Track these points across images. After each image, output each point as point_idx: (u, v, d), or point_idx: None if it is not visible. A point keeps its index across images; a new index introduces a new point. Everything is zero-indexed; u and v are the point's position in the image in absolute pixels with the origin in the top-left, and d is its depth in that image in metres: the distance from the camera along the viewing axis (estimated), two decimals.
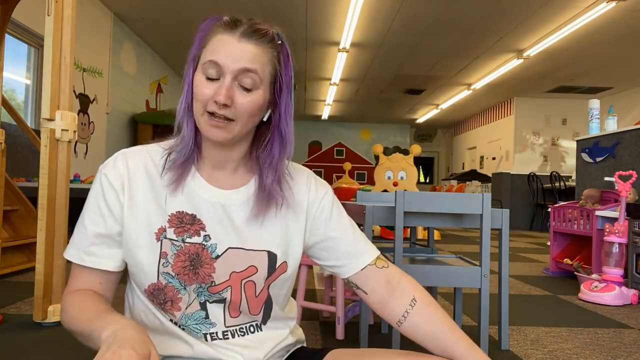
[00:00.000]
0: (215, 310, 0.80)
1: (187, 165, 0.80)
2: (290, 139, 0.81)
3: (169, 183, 0.79)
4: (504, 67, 8.01)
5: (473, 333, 1.80)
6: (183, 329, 0.80)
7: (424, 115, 13.07)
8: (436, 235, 6.31)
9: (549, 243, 4.01)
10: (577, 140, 4.37)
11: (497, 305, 1.83)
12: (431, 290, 2.10)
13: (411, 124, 14.61)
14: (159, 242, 0.77)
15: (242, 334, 0.82)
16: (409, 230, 3.17)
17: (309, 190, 0.87)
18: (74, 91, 5.33)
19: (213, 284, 0.78)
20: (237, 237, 0.80)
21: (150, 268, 0.76)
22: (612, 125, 3.95)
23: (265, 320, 0.84)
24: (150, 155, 0.82)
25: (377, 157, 5.81)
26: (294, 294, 1.48)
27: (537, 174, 8.41)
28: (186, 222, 0.78)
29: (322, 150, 13.45)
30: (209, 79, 0.73)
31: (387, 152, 5.84)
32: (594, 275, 3.02)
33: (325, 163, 12.88)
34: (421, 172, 15.36)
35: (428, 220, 1.74)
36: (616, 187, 2.97)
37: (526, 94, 10.25)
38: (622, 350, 1.89)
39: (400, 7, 5.79)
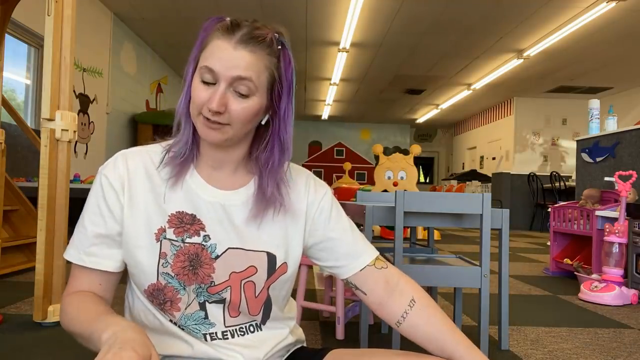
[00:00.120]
0: (215, 311, 0.80)
1: (186, 164, 0.80)
2: (288, 146, 0.80)
3: (168, 177, 0.79)
4: (504, 67, 8.01)
5: (473, 333, 1.81)
6: (183, 329, 0.80)
7: (424, 115, 13.07)
8: (436, 235, 6.31)
9: (549, 243, 4.01)
10: (577, 140, 4.37)
11: (497, 305, 1.83)
12: (431, 290, 2.10)
13: (411, 124, 14.61)
14: (159, 242, 0.77)
15: (242, 333, 0.82)
16: (409, 230, 3.17)
17: (308, 191, 0.87)
18: (74, 91, 5.33)
19: (212, 284, 0.78)
20: (237, 237, 0.80)
21: (150, 268, 0.77)
22: (612, 125, 3.95)
23: (264, 320, 0.84)
24: (150, 156, 0.82)
25: (377, 157, 5.81)
26: (294, 294, 1.48)
27: (537, 174, 8.41)
28: (186, 222, 0.78)
29: (322, 150, 13.45)
30: (205, 82, 0.73)
31: (387, 152, 5.84)
32: (594, 275, 3.02)
33: (325, 163, 12.88)
34: (421, 172, 15.37)
35: (428, 220, 1.74)
36: (616, 187, 2.97)
37: (526, 94, 10.25)
38: (622, 350, 1.89)
39: (400, 7, 5.79)
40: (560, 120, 10.60)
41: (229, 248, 0.79)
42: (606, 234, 2.89)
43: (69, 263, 0.80)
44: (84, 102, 5.65)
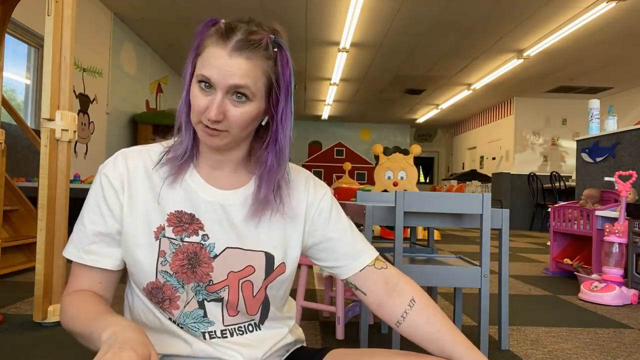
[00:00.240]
0: (214, 309, 0.80)
1: (185, 163, 0.81)
2: (287, 147, 0.80)
3: (167, 175, 0.79)
4: (504, 67, 8.01)
5: (473, 333, 1.81)
6: (182, 328, 0.80)
7: (424, 115, 13.07)
8: (436, 235, 6.31)
9: (549, 243, 4.01)
10: (577, 140, 4.37)
11: (497, 305, 1.83)
12: (431, 290, 2.10)
13: (411, 124, 14.61)
14: (158, 240, 0.77)
15: (241, 332, 0.82)
16: (409, 230, 3.17)
17: (307, 191, 0.87)
18: (74, 91, 5.33)
19: (211, 283, 0.78)
20: (236, 237, 0.80)
21: (149, 267, 0.77)
22: (612, 125, 3.95)
23: (262, 320, 0.84)
24: (150, 156, 0.82)
25: (377, 157, 5.81)
26: (293, 294, 1.48)
27: (537, 174, 8.41)
28: (185, 222, 0.78)
29: (322, 150, 13.44)
30: (203, 89, 0.73)
31: (387, 152, 5.84)
32: (594, 275, 3.02)
33: (325, 163, 12.87)
34: (421, 172, 15.37)
35: (428, 220, 1.74)
36: (616, 187, 2.97)
37: (526, 94, 10.25)
38: (622, 350, 1.89)
39: (400, 8, 5.79)
40: (560, 120, 10.60)
41: (227, 247, 0.79)
42: (606, 234, 2.89)
43: (69, 262, 0.80)
44: (84, 102, 5.65)
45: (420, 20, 6.18)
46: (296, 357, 0.90)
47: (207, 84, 0.72)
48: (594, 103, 4.09)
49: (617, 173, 2.95)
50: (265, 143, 0.80)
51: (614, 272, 2.79)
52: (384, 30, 6.57)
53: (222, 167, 0.82)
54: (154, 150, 0.83)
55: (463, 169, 13.37)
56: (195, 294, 0.79)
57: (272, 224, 0.83)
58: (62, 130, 1.98)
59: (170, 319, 0.80)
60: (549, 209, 3.93)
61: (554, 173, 8.07)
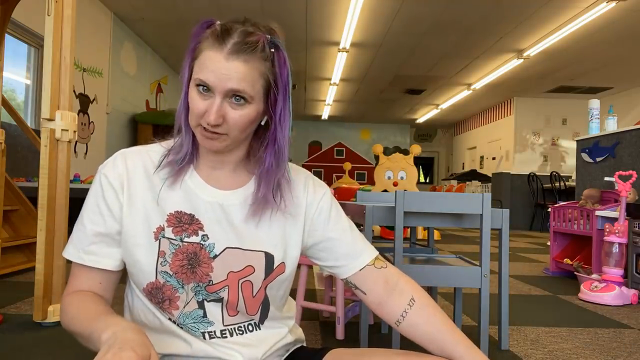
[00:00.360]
0: (213, 309, 0.80)
1: (185, 165, 0.81)
2: (285, 147, 0.80)
3: (167, 176, 0.80)
4: (504, 67, 8.01)
5: (473, 333, 1.81)
6: (182, 328, 0.80)
7: (424, 115, 13.07)
8: (436, 235, 6.31)
9: (549, 243, 4.01)
10: (577, 140, 4.37)
11: (497, 305, 1.83)
12: (431, 290, 2.10)
13: (411, 124, 14.61)
14: (157, 241, 0.77)
15: (241, 332, 0.82)
16: (409, 230, 3.17)
17: (307, 191, 0.87)
18: (74, 91, 5.33)
19: (211, 283, 0.78)
20: (235, 237, 0.80)
21: (149, 267, 0.77)
22: (612, 125, 3.95)
23: (262, 319, 0.84)
24: (150, 156, 0.82)
25: (377, 157, 5.81)
26: (293, 294, 1.48)
27: (537, 174, 8.41)
28: (184, 222, 0.78)
29: (322, 150, 13.44)
30: (201, 93, 0.73)
31: (387, 152, 5.84)
32: (594, 275, 3.02)
33: (325, 163, 12.87)
34: (421, 172, 15.36)
35: (428, 220, 1.74)
36: (616, 187, 2.97)
37: (526, 94, 10.25)
38: (622, 350, 1.89)
39: (400, 8, 5.79)
40: (560, 120, 10.60)
41: (227, 248, 0.79)
42: (606, 234, 2.89)
43: (69, 262, 0.80)
44: (84, 102, 5.65)
45: (420, 20, 6.18)
46: (296, 357, 0.90)
47: (205, 88, 0.72)
48: (594, 103, 4.09)
49: (617, 173, 2.95)
50: (264, 143, 0.80)
51: (614, 272, 2.79)
52: (384, 30, 6.57)
53: (221, 168, 0.82)
54: (154, 150, 0.83)
55: (463, 169, 13.37)
56: (195, 294, 0.79)
57: (272, 223, 0.83)
58: (62, 130, 1.98)
59: (170, 319, 0.80)
60: (549, 209, 3.93)
61: (554, 173, 8.07)
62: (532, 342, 1.95)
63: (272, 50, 0.74)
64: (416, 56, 7.72)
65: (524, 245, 5.91)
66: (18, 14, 3.69)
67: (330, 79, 9.34)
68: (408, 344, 0.90)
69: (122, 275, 0.83)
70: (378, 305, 0.86)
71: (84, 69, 5.61)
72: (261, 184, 0.81)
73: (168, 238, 0.77)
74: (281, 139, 0.79)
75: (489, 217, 1.64)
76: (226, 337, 0.81)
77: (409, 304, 0.84)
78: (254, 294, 0.82)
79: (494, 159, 11.58)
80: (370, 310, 1.23)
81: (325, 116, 13.42)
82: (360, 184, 8.69)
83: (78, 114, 5.36)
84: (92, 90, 5.83)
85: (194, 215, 0.79)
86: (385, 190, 5.42)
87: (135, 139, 7.11)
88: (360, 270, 0.86)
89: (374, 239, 2.58)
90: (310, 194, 0.88)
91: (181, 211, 0.79)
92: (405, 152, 5.88)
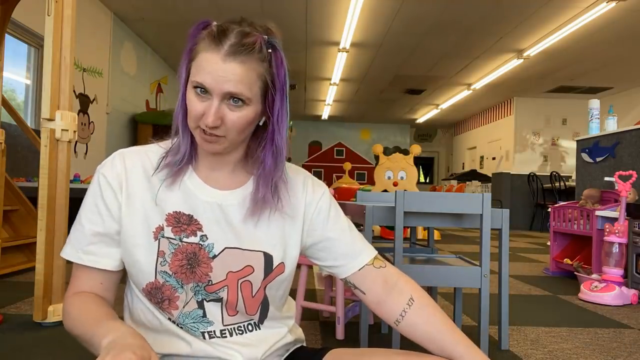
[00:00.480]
0: (213, 309, 0.80)
1: (184, 166, 0.81)
2: (283, 147, 0.80)
3: (165, 177, 0.80)
4: (504, 67, 8.01)
5: (473, 333, 1.80)
6: (181, 328, 0.80)
7: (424, 115, 13.07)
8: (436, 235, 6.31)
9: (549, 243, 4.01)
10: (577, 140, 4.37)
11: (497, 305, 1.83)
12: (431, 290, 2.10)
13: (411, 124, 14.61)
14: (157, 241, 0.77)
15: (240, 332, 0.82)
16: (409, 230, 3.17)
17: (306, 191, 0.87)
18: (74, 91, 5.33)
19: (210, 283, 0.79)
20: (234, 237, 0.80)
21: (148, 267, 0.77)
22: (612, 125, 3.95)
23: (262, 319, 0.84)
24: (148, 156, 0.82)
25: (377, 157, 5.81)
26: (293, 294, 1.48)
27: (537, 174, 8.41)
28: (183, 222, 0.78)
29: (322, 150, 13.44)
30: (199, 95, 0.72)
31: (387, 152, 5.84)
32: (594, 275, 3.02)
33: (325, 163, 12.87)
34: (421, 172, 15.36)
35: (428, 220, 1.74)
36: (616, 187, 2.97)
37: (526, 94, 10.25)
38: (622, 350, 1.89)
39: (400, 8, 5.79)
40: (560, 120, 10.60)
41: (226, 248, 0.79)
42: (606, 234, 2.89)
43: (69, 263, 0.80)
44: (84, 102, 5.65)
45: (420, 20, 6.18)
46: (296, 356, 0.90)
47: (203, 90, 0.72)
48: (594, 103, 4.09)
49: (617, 173, 2.95)
50: (263, 144, 0.80)
51: (614, 272, 2.79)
52: (384, 30, 6.57)
53: (220, 168, 0.82)
54: (152, 150, 0.83)
55: (463, 169, 13.37)
56: (195, 294, 0.79)
57: (271, 223, 0.83)
58: (62, 130, 1.98)
59: (169, 319, 0.80)
60: (549, 209, 3.93)
61: (554, 173, 8.07)
62: (532, 342, 1.95)
63: (269, 50, 0.74)
64: (416, 56, 7.72)
65: (524, 245, 5.91)
66: (18, 14, 3.69)
67: (330, 79, 9.34)
68: (408, 344, 0.90)
69: (123, 275, 0.83)
70: (377, 304, 0.86)
71: (84, 69, 5.61)
72: (260, 184, 0.81)
73: (167, 238, 0.77)
74: (279, 139, 0.78)
75: (489, 217, 1.64)
76: (226, 337, 0.81)
77: (408, 303, 0.84)
78: (254, 294, 0.82)
79: (494, 159, 11.58)
80: (370, 310, 1.23)
81: (325, 116, 13.42)
82: (360, 184, 8.69)
83: (78, 114, 5.36)
84: (92, 90, 5.83)
85: (192, 215, 0.79)
86: (385, 190, 5.42)
87: (135, 139, 7.11)
88: (360, 269, 0.86)
89: (374, 239, 2.58)
90: (309, 193, 0.88)
91: (180, 211, 0.79)
92: (405, 152, 5.88)
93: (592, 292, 2.76)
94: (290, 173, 0.87)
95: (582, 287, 2.85)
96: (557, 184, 7.93)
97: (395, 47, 7.30)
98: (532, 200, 8.42)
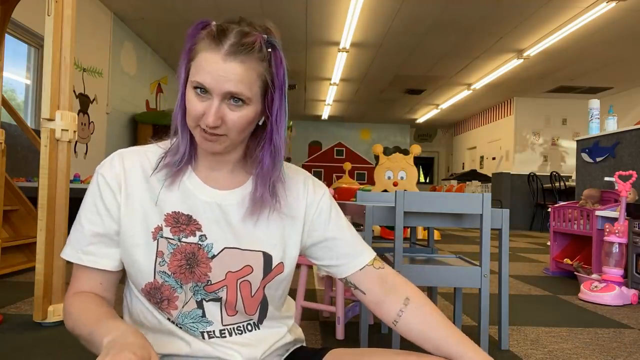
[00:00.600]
0: (212, 309, 0.80)
1: (183, 166, 0.81)
2: (282, 147, 0.80)
3: (165, 178, 0.79)
4: (504, 67, 8.01)
5: (473, 333, 1.80)
6: (180, 328, 0.80)
7: (424, 115, 13.07)
8: (436, 235, 6.31)
9: (549, 243, 4.01)
10: (577, 140, 4.37)
11: (497, 305, 1.83)
12: (431, 290, 2.10)
13: (411, 124, 14.61)
14: (156, 241, 0.77)
15: (240, 332, 0.82)
16: (409, 230, 3.17)
17: (306, 192, 0.88)
18: (74, 91, 5.33)
19: (209, 283, 0.79)
20: (234, 237, 0.80)
21: (147, 267, 0.77)
22: (612, 125, 3.95)
23: (261, 319, 0.85)
24: (147, 156, 0.82)
25: (377, 157, 5.81)
26: (293, 294, 1.48)
27: (537, 174, 8.41)
28: (182, 222, 0.78)
29: (322, 150, 13.44)
30: (199, 94, 0.72)
31: (387, 152, 5.84)
32: (594, 275, 3.02)
33: (325, 163, 12.87)
34: (421, 172, 15.36)
35: (428, 220, 1.74)
36: (616, 187, 2.97)
37: (526, 94, 10.25)
38: (622, 350, 1.89)
39: (400, 8, 5.79)
40: (560, 120, 10.60)
41: (225, 248, 0.79)
42: (606, 234, 2.89)
43: (69, 263, 0.80)
44: (84, 102, 5.65)
45: (420, 20, 6.18)
46: (296, 356, 0.90)
47: (203, 90, 0.72)
48: (594, 103, 4.09)
49: (617, 173, 2.95)
50: (261, 143, 0.80)
51: (614, 272, 2.79)
52: (384, 30, 6.57)
53: (219, 168, 0.82)
54: (151, 150, 0.83)
55: (463, 169, 13.37)
56: (194, 294, 0.79)
57: (270, 223, 0.83)
58: (62, 130, 1.98)
59: (168, 319, 0.80)
60: (549, 209, 3.93)
61: (554, 173, 8.07)
62: (532, 342, 1.95)
63: (269, 50, 0.74)
64: (416, 56, 7.72)
65: (524, 245, 5.91)
66: (18, 14, 3.69)
67: (330, 79, 9.34)
68: (408, 344, 0.90)
69: (123, 275, 0.83)
70: (376, 304, 0.86)
71: (84, 69, 5.61)
72: (258, 183, 0.81)
73: (166, 238, 0.77)
74: (277, 139, 0.79)
75: (489, 217, 1.64)
76: (225, 336, 0.81)
77: (404, 303, 0.84)
78: (253, 294, 0.82)
79: (494, 159, 11.58)
80: (369, 310, 1.23)
81: (325, 116, 13.42)
82: (360, 184, 8.69)
83: (78, 114, 5.36)
84: (92, 90, 5.83)
85: (191, 216, 0.79)
86: (385, 190, 5.42)
87: (135, 139, 7.11)
88: (361, 269, 0.86)
89: (374, 239, 2.58)
90: (310, 194, 0.88)
91: (178, 212, 0.79)
92: (405, 152, 5.88)
93: (592, 292, 2.76)
94: (290, 173, 0.87)
95: (582, 287, 2.85)
96: (557, 184, 7.93)
97: (395, 47, 7.30)
98: (532, 200, 8.42)
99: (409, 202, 1.63)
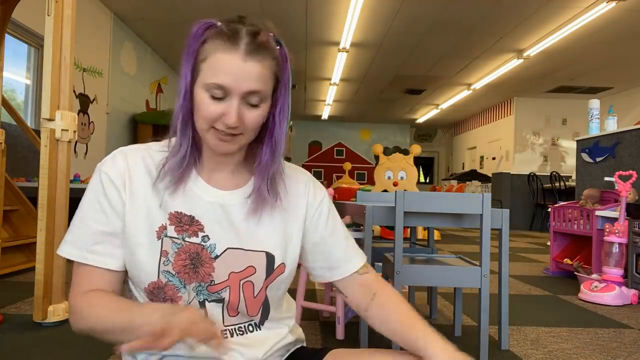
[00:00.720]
0: (214, 310, 0.80)
1: (187, 172, 0.80)
2: (282, 142, 0.80)
3: (169, 185, 0.79)
4: (504, 67, 8.01)
5: (473, 333, 1.81)
6: None
7: (424, 115, 13.07)
8: (436, 235, 6.31)
9: (549, 243, 4.01)
10: (577, 140, 4.37)
11: (497, 305, 1.83)
12: (431, 290, 2.10)
13: (411, 124, 14.61)
14: (160, 240, 0.77)
15: (241, 333, 0.82)
16: (409, 230, 3.17)
17: (307, 192, 0.88)
18: (74, 91, 5.33)
19: (212, 283, 0.78)
20: (236, 237, 0.80)
21: (151, 267, 0.76)
22: (612, 125, 3.95)
23: (263, 320, 0.85)
24: (150, 154, 0.81)
25: (377, 157, 5.81)
26: (294, 294, 1.48)
27: (537, 174, 8.41)
28: (185, 223, 0.78)
29: (322, 150, 13.45)
30: (214, 97, 0.72)
31: (387, 152, 5.84)
32: (594, 275, 3.02)
33: (325, 163, 12.88)
34: (421, 172, 15.36)
35: (428, 220, 1.74)
36: (616, 187, 2.97)
37: (526, 94, 10.25)
38: (622, 350, 1.89)
39: (400, 8, 5.79)
40: (560, 120, 10.60)
41: (228, 248, 0.79)
42: (606, 234, 2.89)
43: (69, 262, 0.80)
44: (84, 102, 5.65)
45: (420, 20, 6.18)
46: (296, 357, 0.90)
47: (220, 93, 0.71)
48: (594, 103, 4.09)
49: (617, 173, 2.96)
50: (262, 138, 0.81)
51: (614, 272, 2.79)
52: (384, 30, 6.57)
53: (221, 169, 0.82)
54: (152, 148, 0.83)
55: (463, 169, 13.38)
56: (197, 294, 0.78)
57: (272, 223, 0.83)
58: (62, 130, 1.98)
59: None
60: (549, 209, 3.93)
61: (554, 173, 8.07)
62: (532, 342, 1.95)
63: (278, 47, 0.75)
64: (416, 56, 7.72)
65: (524, 245, 5.91)
66: (18, 14, 3.69)
67: (330, 79, 9.34)
68: None
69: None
70: (358, 307, 0.89)
71: (84, 69, 5.61)
72: (257, 176, 0.81)
73: (170, 237, 0.77)
74: (278, 133, 0.79)
75: (489, 217, 1.64)
76: (227, 337, 0.81)
77: (370, 298, 0.86)
78: (255, 295, 0.82)
79: (494, 159, 11.58)
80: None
81: (325, 116, 13.42)
82: (360, 184, 8.69)
83: (78, 114, 5.36)
84: (92, 90, 5.83)
85: (194, 217, 0.79)
86: (385, 190, 5.42)
87: (135, 139, 7.10)
88: (349, 276, 0.88)
89: (374, 239, 2.58)
90: (311, 195, 0.89)
91: (181, 212, 0.79)
92: (405, 152, 5.88)
93: (592, 292, 2.76)
94: (291, 171, 0.88)
95: (582, 287, 2.85)
96: (557, 184, 7.94)
97: (395, 47, 7.30)
98: (532, 200, 8.42)
99: (409, 202, 1.63)
